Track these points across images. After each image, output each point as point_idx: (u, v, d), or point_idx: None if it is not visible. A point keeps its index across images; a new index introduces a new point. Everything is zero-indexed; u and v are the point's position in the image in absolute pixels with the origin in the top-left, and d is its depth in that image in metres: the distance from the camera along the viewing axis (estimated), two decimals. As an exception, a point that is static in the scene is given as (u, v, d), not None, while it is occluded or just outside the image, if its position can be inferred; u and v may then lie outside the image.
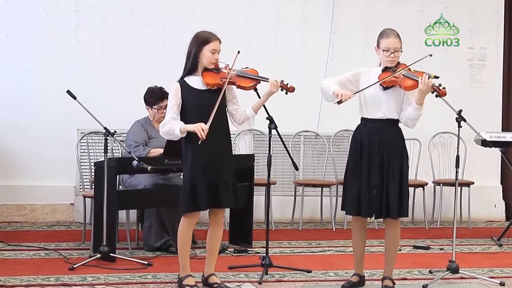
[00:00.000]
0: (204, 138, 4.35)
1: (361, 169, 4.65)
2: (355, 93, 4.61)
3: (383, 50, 4.64)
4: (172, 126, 4.46)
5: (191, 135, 4.44)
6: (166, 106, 5.96)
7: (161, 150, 5.70)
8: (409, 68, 4.65)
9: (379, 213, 4.65)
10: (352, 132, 4.86)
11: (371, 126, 4.66)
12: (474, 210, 7.66)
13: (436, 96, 4.58)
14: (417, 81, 4.53)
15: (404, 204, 4.64)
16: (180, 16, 7.37)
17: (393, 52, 4.62)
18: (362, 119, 4.73)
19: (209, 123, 4.38)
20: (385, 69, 4.66)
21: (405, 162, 4.68)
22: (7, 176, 7.12)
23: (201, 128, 4.36)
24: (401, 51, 4.66)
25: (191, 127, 4.40)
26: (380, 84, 4.61)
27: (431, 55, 4.77)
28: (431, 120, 7.47)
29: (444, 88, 4.57)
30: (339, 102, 4.54)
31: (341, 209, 4.86)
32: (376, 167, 4.61)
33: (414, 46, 7.62)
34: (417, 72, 4.62)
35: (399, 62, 4.67)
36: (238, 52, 4.50)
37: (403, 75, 4.60)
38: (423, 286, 4.85)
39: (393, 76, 4.58)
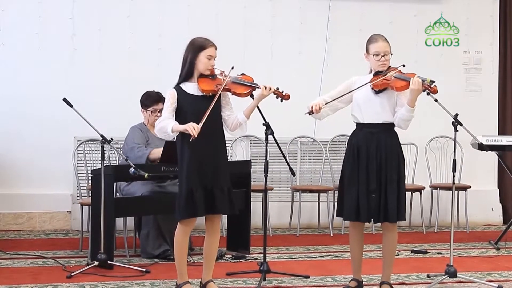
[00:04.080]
0: (196, 136, 4.32)
1: (359, 174, 4.64)
2: (326, 103, 4.66)
3: (373, 55, 4.66)
4: (166, 123, 4.45)
5: (185, 139, 4.44)
6: (161, 109, 5.98)
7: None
8: (400, 71, 4.66)
9: (378, 217, 4.64)
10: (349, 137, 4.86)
11: (367, 131, 4.66)
12: (472, 214, 7.65)
13: (428, 94, 4.58)
14: (408, 81, 4.54)
15: (402, 208, 4.65)
16: (176, 24, 7.37)
17: (384, 56, 4.64)
18: (358, 124, 4.73)
19: (201, 124, 4.36)
20: (377, 73, 4.68)
21: (402, 166, 4.69)
22: (4, 185, 7.11)
23: (192, 127, 4.35)
24: (391, 54, 4.68)
25: (183, 126, 4.40)
26: (372, 88, 4.63)
27: (404, 66, 4.73)
28: (428, 124, 7.52)
29: (435, 85, 4.57)
30: (310, 113, 4.62)
31: (337, 215, 4.84)
32: (373, 171, 4.61)
33: (412, 48, 7.68)
34: (408, 74, 4.63)
35: (390, 66, 4.69)
36: (232, 67, 4.52)
37: (394, 76, 4.61)
38: (421, 290, 4.87)
39: (384, 79, 4.59)
